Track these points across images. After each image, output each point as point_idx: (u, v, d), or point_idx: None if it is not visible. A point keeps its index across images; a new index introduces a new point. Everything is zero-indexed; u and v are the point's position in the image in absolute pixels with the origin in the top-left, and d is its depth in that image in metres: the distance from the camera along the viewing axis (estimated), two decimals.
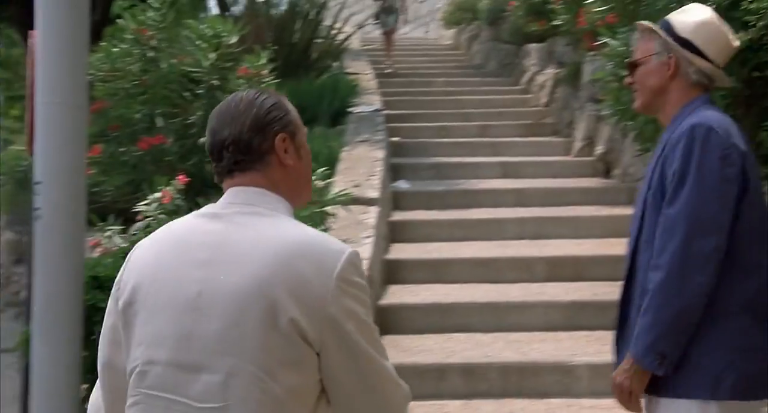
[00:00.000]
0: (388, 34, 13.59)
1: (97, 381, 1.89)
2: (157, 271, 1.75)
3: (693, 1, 3.27)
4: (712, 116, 2.44)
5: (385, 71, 12.69)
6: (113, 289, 1.82)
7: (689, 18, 2.57)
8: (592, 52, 8.58)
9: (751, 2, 3.33)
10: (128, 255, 1.85)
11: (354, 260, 1.74)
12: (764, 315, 2.39)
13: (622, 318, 2.53)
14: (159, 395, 1.71)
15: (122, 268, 1.83)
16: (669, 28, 2.54)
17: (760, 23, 3.32)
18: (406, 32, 15.11)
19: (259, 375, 1.66)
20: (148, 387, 1.72)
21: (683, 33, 2.52)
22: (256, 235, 1.73)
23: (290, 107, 1.86)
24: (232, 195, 1.81)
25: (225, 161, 1.81)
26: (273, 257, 1.69)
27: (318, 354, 1.70)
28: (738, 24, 3.20)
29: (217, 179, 1.85)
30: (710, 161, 2.34)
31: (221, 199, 1.83)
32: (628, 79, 2.64)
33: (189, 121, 7.07)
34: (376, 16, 13.78)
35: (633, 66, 2.60)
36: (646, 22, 2.65)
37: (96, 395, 1.92)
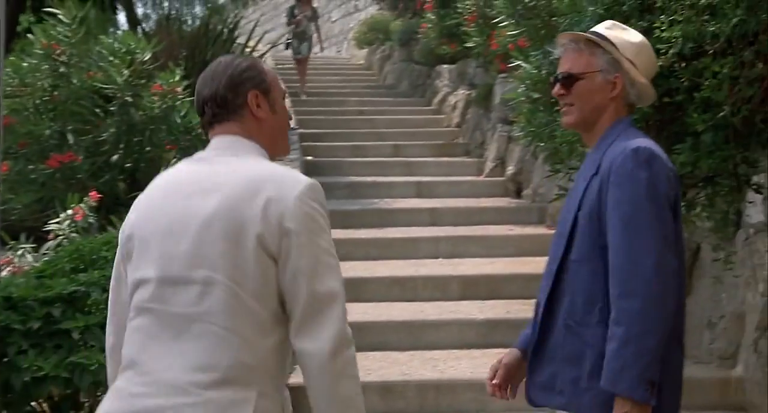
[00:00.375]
0: (301, 62, 13.02)
1: (107, 323, 2.18)
2: (150, 208, 2.07)
3: None
4: (647, 140, 2.42)
5: (301, 98, 12.45)
6: (120, 231, 2.14)
7: (629, 38, 2.50)
8: (503, 74, 8.75)
9: (663, 31, 3.46)
10: (136, 200, 2.15)
11: (314, 187, 2.00)
12: (681, 335, 2.42)
13: (541, 336, 2.47)
14: (151, 306, 1.99)
15: (130, 212, 2.14)
16: (613, 46, 2.45)
17: (672, 51, 3.44)
18: (317, 52, 15.06)
19: (229, 284, 1.94)
20: (142, 301, 2.00)
21: (627, 53, 2.46)
22: (231, 169, 2.02)
23: (265, 68, 2.17)
24: (215, 142, 2.11)
25: (206, 115, 2.12)
26: (243, 184, 1.98)
27: (277, 265, 1.96)
28: None
29: (203, 131, 2.16)
30: (660, 183, 2.32)
31: (207, 146, 2.12)
32: (558, 90, 2.47)
33: (101, 138, 6.94)
34: (289, 40, 13.36)
35: (572, 79, 2.45)
36: (587, 34, 2.51)
37: (108, 330, 2.18)
